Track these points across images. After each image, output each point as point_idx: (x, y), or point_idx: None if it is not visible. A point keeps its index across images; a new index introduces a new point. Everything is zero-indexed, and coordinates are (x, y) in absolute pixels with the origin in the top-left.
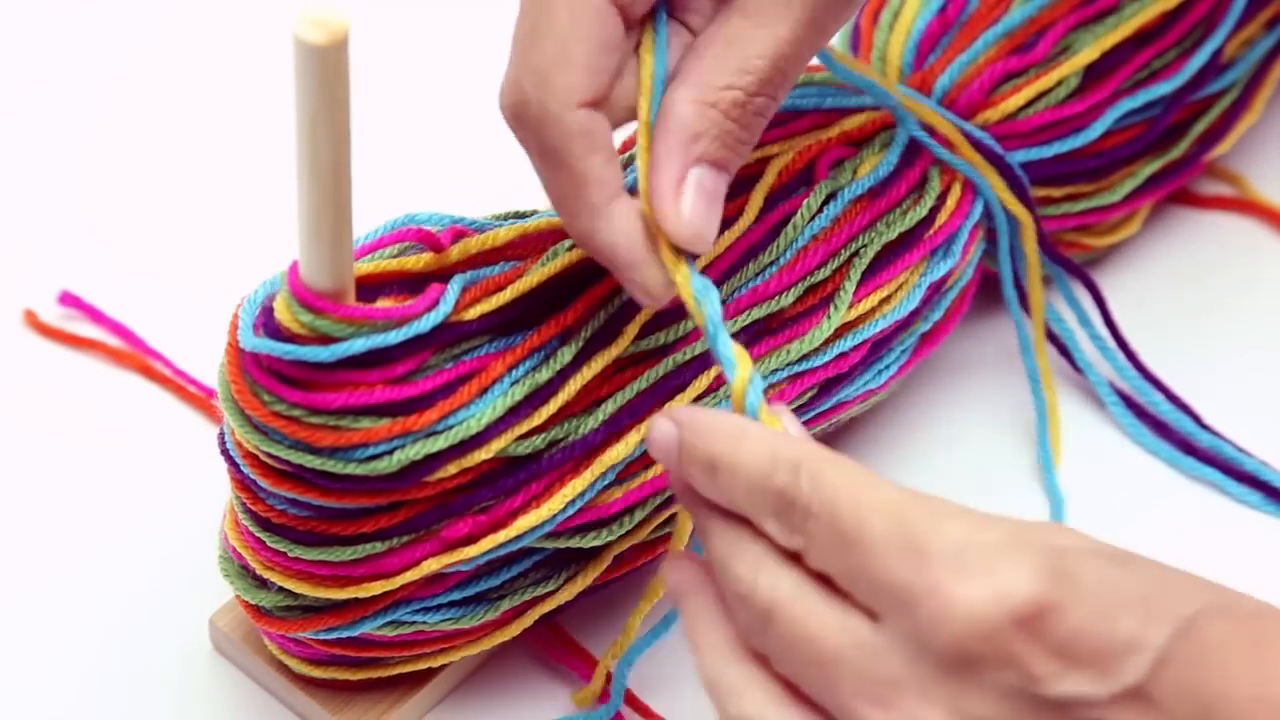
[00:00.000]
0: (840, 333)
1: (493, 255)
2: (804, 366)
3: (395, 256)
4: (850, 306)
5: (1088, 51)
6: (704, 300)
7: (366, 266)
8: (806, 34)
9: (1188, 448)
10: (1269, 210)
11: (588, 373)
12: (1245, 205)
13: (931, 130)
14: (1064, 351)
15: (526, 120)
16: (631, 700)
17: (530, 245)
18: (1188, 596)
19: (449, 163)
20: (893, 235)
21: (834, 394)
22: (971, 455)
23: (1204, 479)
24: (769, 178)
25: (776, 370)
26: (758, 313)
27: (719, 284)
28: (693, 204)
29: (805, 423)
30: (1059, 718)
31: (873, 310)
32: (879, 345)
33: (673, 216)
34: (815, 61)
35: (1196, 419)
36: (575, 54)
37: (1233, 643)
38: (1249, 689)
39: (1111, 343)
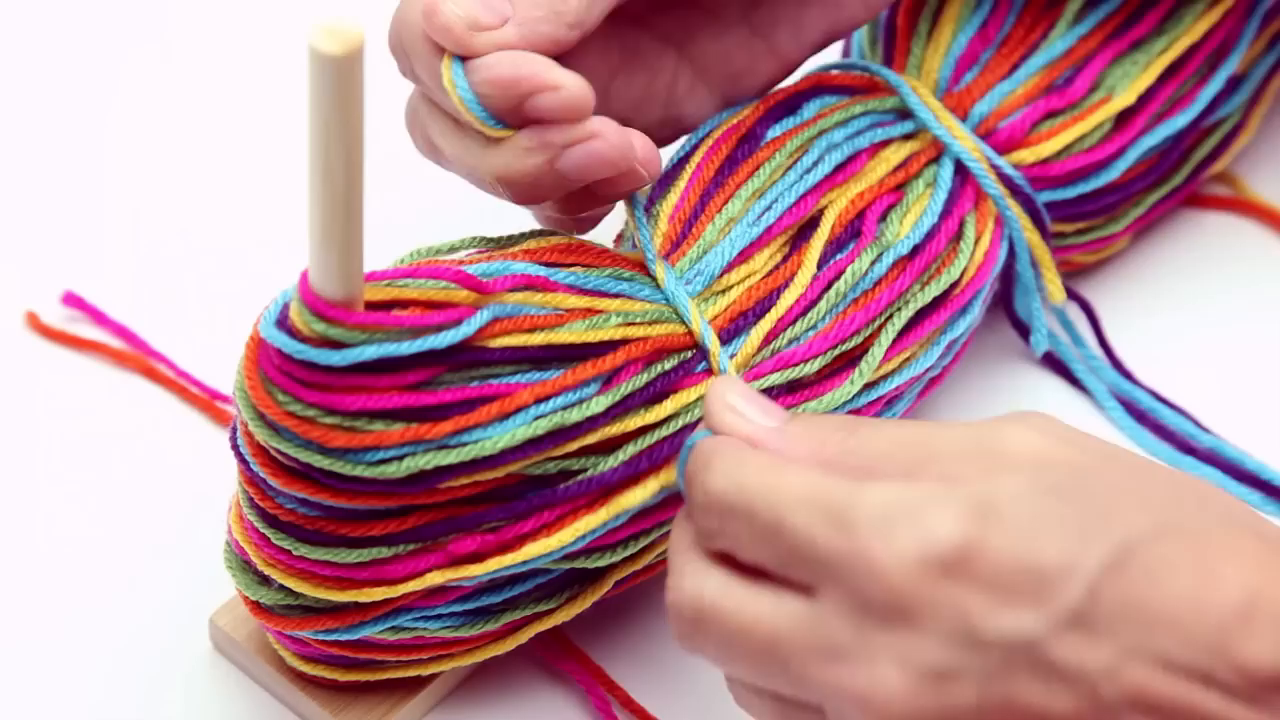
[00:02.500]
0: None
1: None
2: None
3: (442, 289)
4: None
5: (1124, 96)
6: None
7: (413, 291)
8: None
9: (1188, 448)
10: (1265, 210)
11: (618, 429)
12: (1242, 205)
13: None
14: (1060, 368)
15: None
16: (629, 703)
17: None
18: (1132, 519)
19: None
20: (927, 300)
21: None
22: None
23: (1204, 479)
24: (824, 232)
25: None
26: (779, 378)
27: (765, 345)
28: None
29: None
30: (1009, 654)
31: (893, 370)
32: (892, 400)
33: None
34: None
35: (1197, 424)
36: None
37: (1177, 561)
38: (1189, 605)
39: (1106, 361)
